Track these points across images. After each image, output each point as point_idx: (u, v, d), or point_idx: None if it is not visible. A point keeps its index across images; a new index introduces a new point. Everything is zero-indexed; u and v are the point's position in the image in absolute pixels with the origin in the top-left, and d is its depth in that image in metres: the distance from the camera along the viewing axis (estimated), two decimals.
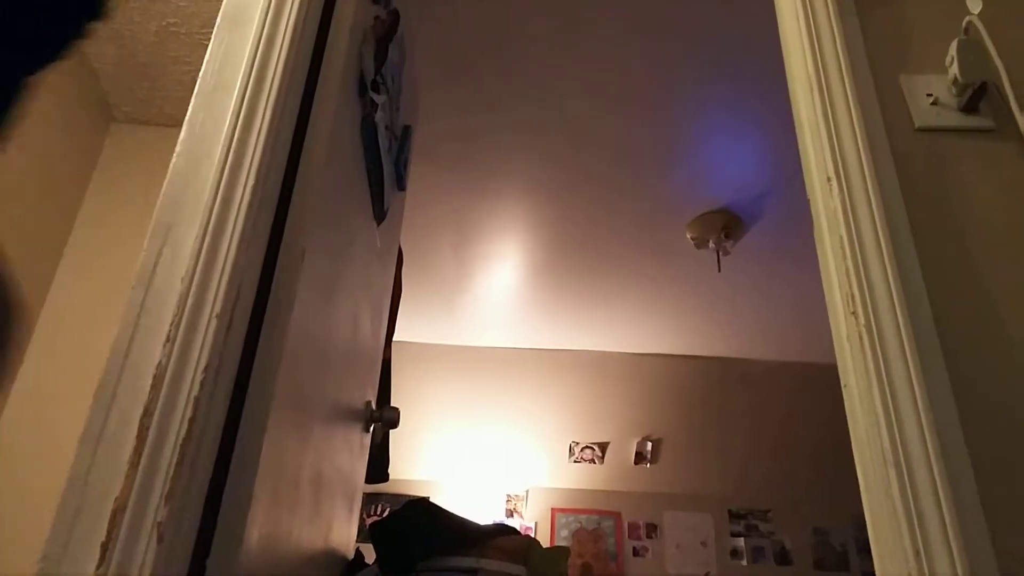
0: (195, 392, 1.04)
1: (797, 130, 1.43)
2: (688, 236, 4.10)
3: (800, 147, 1.40)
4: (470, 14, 2.89)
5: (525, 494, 5.54)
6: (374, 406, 2.13)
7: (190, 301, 1.10)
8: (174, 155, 1.23)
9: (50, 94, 2.52)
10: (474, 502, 5.55)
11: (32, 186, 2.47)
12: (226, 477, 1.07)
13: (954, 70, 1.35)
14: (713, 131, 3.44)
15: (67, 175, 2.67)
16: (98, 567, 0.93)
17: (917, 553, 0.98)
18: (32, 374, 2.42)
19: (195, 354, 1.07)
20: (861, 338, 1.14)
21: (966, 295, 1.18)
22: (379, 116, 1.83)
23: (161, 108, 2.83)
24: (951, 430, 1.06)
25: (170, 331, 1.08)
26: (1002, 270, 1.20)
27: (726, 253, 4.12)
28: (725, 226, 3.97)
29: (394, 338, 2.46)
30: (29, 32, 1.12)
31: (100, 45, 2.59)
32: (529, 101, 3.20)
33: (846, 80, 1.37)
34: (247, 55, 1.32)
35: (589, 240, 4.20)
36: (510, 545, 1.91)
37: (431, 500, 1.97)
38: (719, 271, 4.21)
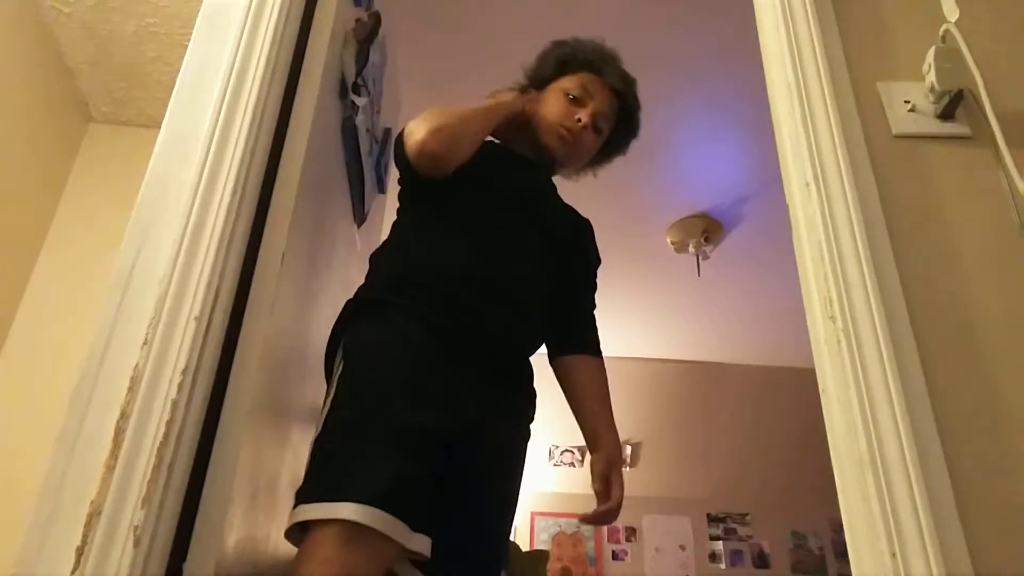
0: (172, 395, 1.03)
1: (776, 136, 1.44)
2: (668, 240, 4.11)
3: (779, 152, 1.41)
4: (452, 16, 2.89)
5: None
6: None
7: (168, 303, 1.09)
8: (153, 156, 1.22)
9: (26, 93, 2.49)
10: None
11: (7, 187, 2.44)
12: (203, 480, 1.06)
13: (931, 77, 1.37)
14: (693, 136, 3.45)
15: (43, 176, 2.64)
16: (73, 572, 0.92)
17: (893, 555, 0.98)
18: (7, 376, 2.39)
19: (172, 356, 1.06)
20: (839, 342, 1.15)
21: (943, 299, 1.19)
22: (360, 119, 1.82)
23: (140, 109, 2.80)
24: (927, 433, 1.06)
25: (147, 333, 1.07)
26: (979, 274, 1.22)
27: (705, 257, 4.13)
28: (705, 230, 3.98)
29: None
30: None
31: (77, 45, 2.56)
32: None
33: (825, 86, 1.38)
34: (227, 56, 1.31)
35: None
36: None
37: None
38: (698, 275, 4.22)
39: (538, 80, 1.83)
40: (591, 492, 1.56)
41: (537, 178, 1.74)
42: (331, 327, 1.44)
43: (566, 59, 1.80)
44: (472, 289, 1.42)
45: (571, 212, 1.81)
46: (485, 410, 1.38)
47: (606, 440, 1.61)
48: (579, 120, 1.70)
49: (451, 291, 1.41)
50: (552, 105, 1.74)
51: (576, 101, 1.72)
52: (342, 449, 1.21)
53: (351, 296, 1.46)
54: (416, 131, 1.47)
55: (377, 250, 1.58)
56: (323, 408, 1.31)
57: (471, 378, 1.38)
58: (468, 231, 1.51)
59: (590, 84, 1.75)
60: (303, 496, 1.18)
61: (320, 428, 1.27)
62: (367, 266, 1.55)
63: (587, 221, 1.84)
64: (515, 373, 1.53)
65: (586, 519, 1.55)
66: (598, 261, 1.86)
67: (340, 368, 1.34)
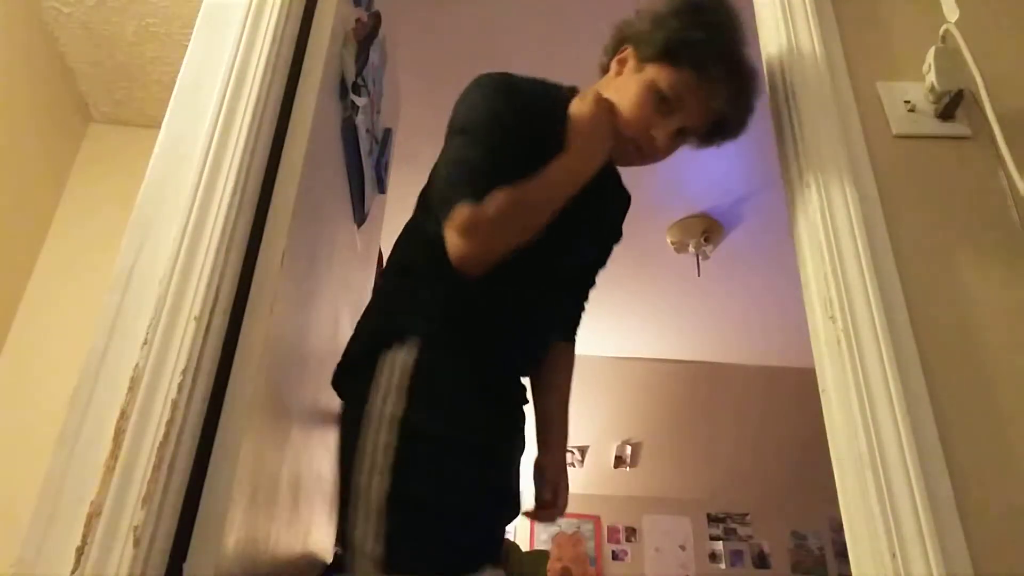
0: (172, 394, 1.03)
1: (776, 136, 1.44)
2: (668, 240, 4.11)
3: (779, 153, 1.41)
4: (453, 16, 2.89)
5: None
6: None
7: (168, 303, 1.09)
8: (152, 156, 1.22)
9: (26, 93, 2.49)
10: None
11: (7, 187, 2.44)
12: (204, 480, 1.06)
13: (931, 78, 1.36)
14: None
15: (43, 176, 2.65)
16: (73, 572, 0.92)
17: (893, 555, 0.98)
18: (7, 376, 2.39)
19: (173, 356, 1.06)
20: (839, 342, 1.15)
21: (943, 299, 1.19)
22: (360, 119, 1.82)
23: (140, 109, 2.80)
24: (927, 433, 1.06)
25: (147, 333, 1.07)
26: (978, 274, 1.22)
27: (705, 257, 4.13)
28: (705, 230, 3.98)
29: None
30: None
31: (77, 45, 2.56)
32: None
33: (825, 87, 1.38)
34: (227, 56, 1.31)
35: None
36: None
37: None
38: (698, 275, 4.22)
39: (640, 51, 1.44)
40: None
41: (592, 190, 1.42)
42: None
43: (675, 46, 1.37)
44: (497, 324, 1.40)
45: (612, 206, 1.67)
46: (507, 430, 1.46)
47: (557, 444, 1.66)
48: (652, 138, 1.40)
49: (488, 327, 1.39)
50: (632, 100, 1.40)
51: (664, 103, 1.38)
52: (434, 516, 1.23)
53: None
54: (453, 238, 1.29)
55: (407, 234, 1.54)
56: (372, 446, 1.24)
57: (496, 407, 1.41)
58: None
59: (687, 92, 1.37)
60: (401, 566, 1.20)
61: (385, 477, 1.21)
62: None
63: (626, 199, 1.72)
64: (522, 392, 1.56)
65: (531, 516, 1.59)
66: (619, 238, 1.72)
67: (399, 409, 1.26)
